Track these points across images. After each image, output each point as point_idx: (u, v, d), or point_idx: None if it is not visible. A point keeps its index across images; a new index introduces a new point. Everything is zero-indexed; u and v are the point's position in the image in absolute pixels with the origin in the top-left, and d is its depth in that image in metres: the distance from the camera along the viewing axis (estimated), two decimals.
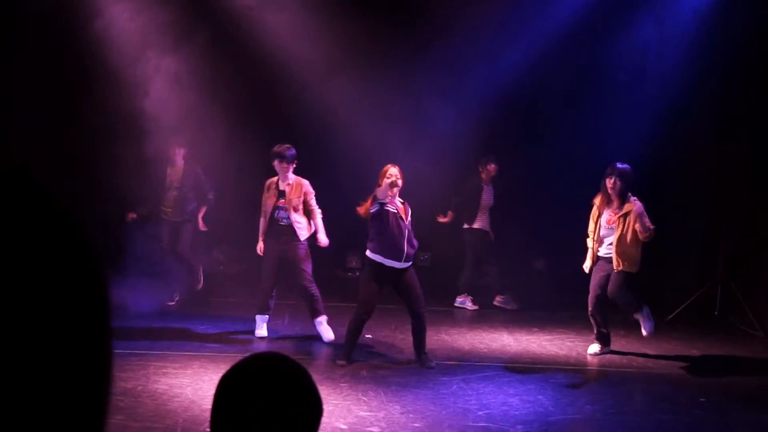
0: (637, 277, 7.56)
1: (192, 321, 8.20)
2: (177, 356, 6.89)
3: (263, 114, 10.11)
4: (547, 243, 10.74)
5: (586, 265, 7.63)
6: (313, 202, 7.68)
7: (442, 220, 9.72)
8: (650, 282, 10.03)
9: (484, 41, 9.95)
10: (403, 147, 9.22)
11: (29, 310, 0.64)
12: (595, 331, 7.69)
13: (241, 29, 9.61)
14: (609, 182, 7.38)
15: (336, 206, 9.69)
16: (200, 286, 9.11)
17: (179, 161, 8.78)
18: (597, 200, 7.55)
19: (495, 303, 9.74)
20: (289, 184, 7.60)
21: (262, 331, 7.72)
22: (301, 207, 7.61)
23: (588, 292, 7.61)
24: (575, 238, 9.27)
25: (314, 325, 7.66)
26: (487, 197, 9.68)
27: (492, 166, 9.62)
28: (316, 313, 7.64)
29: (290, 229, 7.57)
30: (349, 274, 11.04)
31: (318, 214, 7.65)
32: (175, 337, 7.58)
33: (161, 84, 8.70)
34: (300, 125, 9.79)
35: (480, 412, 5.90)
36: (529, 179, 10.57)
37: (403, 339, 7.78)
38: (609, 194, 7.41)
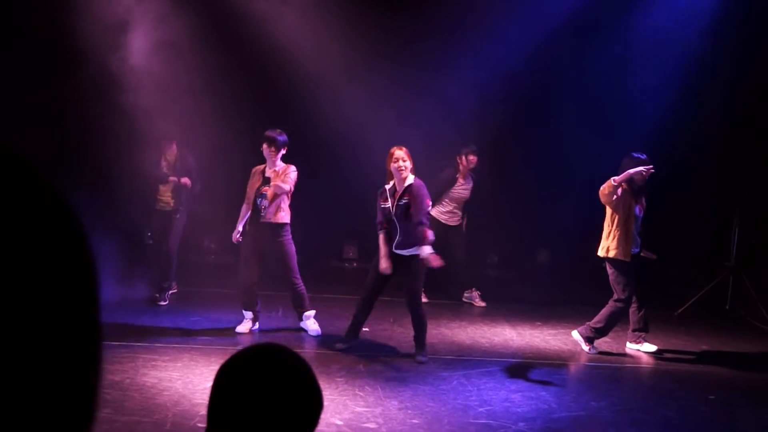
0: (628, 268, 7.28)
1: (182, 312, 8.01)
2: (166, 348, 6.70)
3: (261, 102, 9.94)
4: (550, 235, 10.57)
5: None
6: (289, 187, 7.18)
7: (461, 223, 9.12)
8: (660, 274, 9.87)
9: (492, 28, 9.76)
10: (397, 137, 9.05)
11: (15, 300, 0.62)
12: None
13: (245, 22, 9.44)
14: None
15: (334, 196, 9.53)
16: (165, 303, 8.37)
17: (172, 152, 8.43)
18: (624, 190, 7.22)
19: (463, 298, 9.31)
20: (275, 171, 7.20)
21: (243, 327, 7.38)
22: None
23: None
24: (578, 230, 9.09)
25: (302, 320, 7.46)
26: (460, 190, 9.04)
27: (471, 158, 8.99)
28: (302, 309, 7.41)
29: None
30: (346, 264, 10.88)
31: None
32: (165, 328, 7.38)
33: (157, 69, 8.52)
34: (297, 113, 9.62)
35: (481, 409, 5.72)
36: (533, 170, 10.40)
37: (402, 332, 7.61)
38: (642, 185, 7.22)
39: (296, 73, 9.71)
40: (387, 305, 8.33)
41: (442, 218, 9.01)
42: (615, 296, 7.27)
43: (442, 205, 9.02)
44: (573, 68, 10.10)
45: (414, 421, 5.41)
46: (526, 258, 11.01)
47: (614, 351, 7.53)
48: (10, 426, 0.61)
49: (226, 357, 1.61)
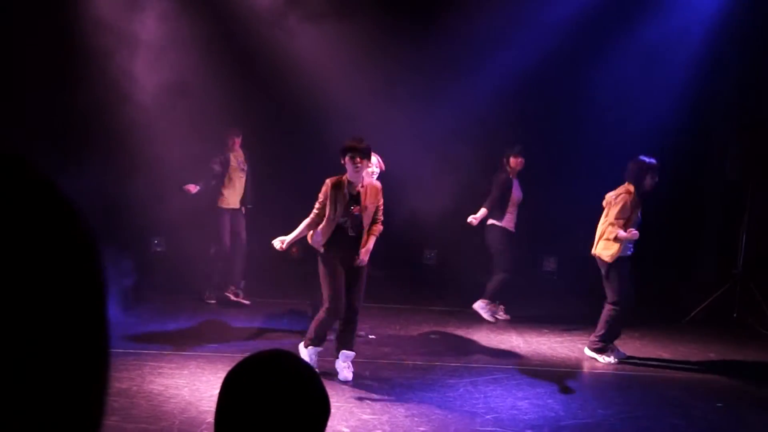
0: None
1: (189, 320, 8.00)
2: (173, 356, 6.69)
3: (270, 109, 9.94)
4: (557, 242, 10.54)
5: None
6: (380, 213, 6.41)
7: (474, 219, 8.57)
8: (667, 282, 9.83)
9: (497, 33, 9.75)
10: (410, 140, 9.06)
11: (23, 306, 0.61)
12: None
13: (262, 38, 9.49)
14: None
15: None
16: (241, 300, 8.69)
17: (238, 149, 8.67)
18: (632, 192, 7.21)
19: (474, 306, 8.81)
20: (363, 186, 6.25)
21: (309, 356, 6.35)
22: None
23: (599, 293, 7.42)
24: (585, 238, 9.05)
25: (339, 356, 6.38)
26: (515, 191, 8.78)
27: (515, 159, 8.68)
28: (348, 346, 6.38)
29: (358, 243, 6.30)
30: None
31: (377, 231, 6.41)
32: (171, 336, 7.36)
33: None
34: (304, 118, 9.62)
35: (488, 416, 5.71)
36: (539, 177, 10.37)
37: (409, 339, 7.60)
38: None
39: (305, 82, 9.70)
40: (393, 312, 8.35)
41: (510, 226, 8.74)
42: (609, 300, 7.27)
43: (509, 211, 8.74)
44: (580, 76, 10.07)
45: (421, 428, 5.41)
46: (533, 265, 10.98)
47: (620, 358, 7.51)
48: None
49: (233, 364, 1.61)
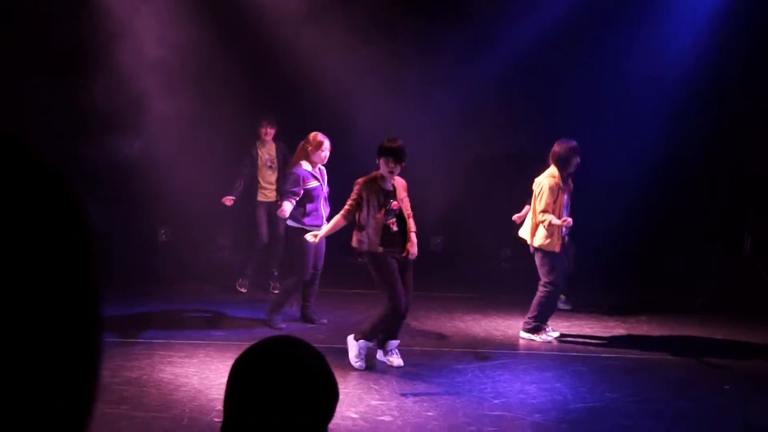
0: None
1: (197, 309, 8.04)
2: (182, 345, 6.74)
3: (275, 102, 9.94)
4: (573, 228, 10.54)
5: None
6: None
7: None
8: (674, 265, 9.83)
9: (497, 26, 9.72)
10: (417, 127, 9.05)
11: (8, 289, 0.59)
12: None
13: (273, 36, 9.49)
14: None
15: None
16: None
17: (269, 141, 8.58)
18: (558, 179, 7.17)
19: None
20: (393, 184, 6.38)
21: (361, 362, 6.40)
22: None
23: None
24: (590, 224, 9.06)
25: (387, 347, 6.52)
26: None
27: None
28: (394, 336, 6.54)
29: (404, 237, 6.37)
30: (360, 260, 10.83)
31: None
32: (180, 325, 7.42)
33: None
34: (308, 111, 9.62)
35: (496, 401, 5.74)
36: (545, 164, 10.37)
37: (416, 325, 7.63)
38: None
39: (306, 73, 9.69)
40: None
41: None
42: (542, 281, 7.29)
43: None
44: (590, 59, 10.02)
45: (429, 413, 5.44)
46: None
47: (627, 341, 7.53)
48: (5, 422, 0.60)
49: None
